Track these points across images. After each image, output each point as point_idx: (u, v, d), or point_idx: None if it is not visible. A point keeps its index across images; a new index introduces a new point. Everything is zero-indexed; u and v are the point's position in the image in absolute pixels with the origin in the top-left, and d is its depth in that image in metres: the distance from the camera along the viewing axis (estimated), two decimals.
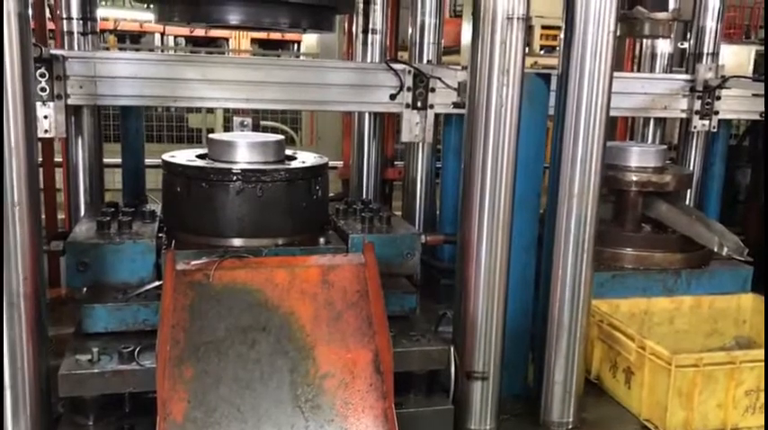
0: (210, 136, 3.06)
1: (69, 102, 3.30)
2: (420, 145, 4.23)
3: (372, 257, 2.48)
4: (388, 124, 4.55)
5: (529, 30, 2.50)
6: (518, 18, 2.43)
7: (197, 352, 2.28)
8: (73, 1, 3.59)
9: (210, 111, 8.65)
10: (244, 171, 2.81)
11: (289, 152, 3.22)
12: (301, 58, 13.78)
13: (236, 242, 2.85)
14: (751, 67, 19.46)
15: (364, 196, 4.27)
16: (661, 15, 3.32)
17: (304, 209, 2.94)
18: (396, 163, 4.75)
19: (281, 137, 3.12)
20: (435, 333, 2.94)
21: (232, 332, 2.34)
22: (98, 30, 3.74)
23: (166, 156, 3.01)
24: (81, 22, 3.62)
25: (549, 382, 2.74)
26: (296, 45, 13.13)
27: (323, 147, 8.35)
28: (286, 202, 2.88)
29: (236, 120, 3.38)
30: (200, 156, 3.05)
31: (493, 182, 2.55)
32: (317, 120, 9.59)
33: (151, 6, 3.12)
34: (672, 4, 4.39)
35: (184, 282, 2.38)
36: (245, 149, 2.94)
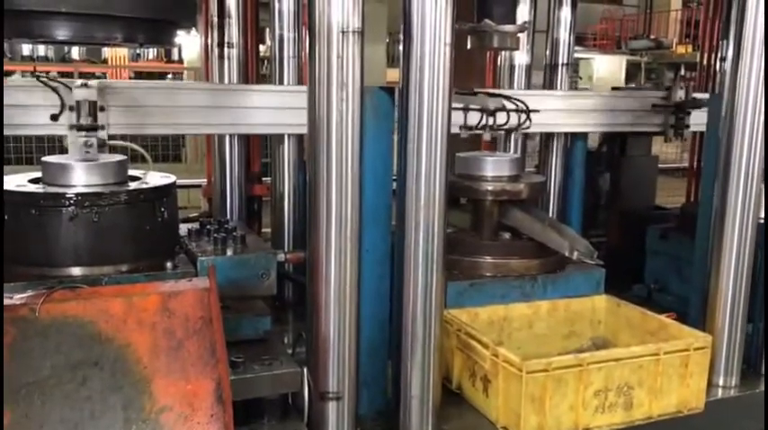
0: (44, 158, 2.87)
1: None
2: (286, 160, 4.15)
3: (214, 281, 2.38)
4: (253, 139, 4.44)
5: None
6: (353, 32, 2.41)
7: (17, 394, 2.10)
8: None
9: None
10: (77, 195, 2.64)
11: (137, 173, 3.07)
12: (184, 74, 13.59)
13: (75, 271, 2.68)
14: (623, 75, 20.68)
15: (228, 214, 4.15)
16: (508, 28, 3.40)
17: (149, 232, 2.80)
18: (264, 179, 4.63)
19: (123, 157, 2.97)
20: (292, 355, 2.87)
21: (59, 369, 2.17)
22: None
23: None
24: None
25: (406, 396, 2.72)
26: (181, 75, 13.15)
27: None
28: (127, 227, 2.73)
29: (80, 140, 3.19)
30: (35, 180, 2.85)
31: (338, 196, 2.51)
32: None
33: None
34: (526, 16, 4.56)
35: (5, 319, 2.20)
36: (81, 172, 2.77)
